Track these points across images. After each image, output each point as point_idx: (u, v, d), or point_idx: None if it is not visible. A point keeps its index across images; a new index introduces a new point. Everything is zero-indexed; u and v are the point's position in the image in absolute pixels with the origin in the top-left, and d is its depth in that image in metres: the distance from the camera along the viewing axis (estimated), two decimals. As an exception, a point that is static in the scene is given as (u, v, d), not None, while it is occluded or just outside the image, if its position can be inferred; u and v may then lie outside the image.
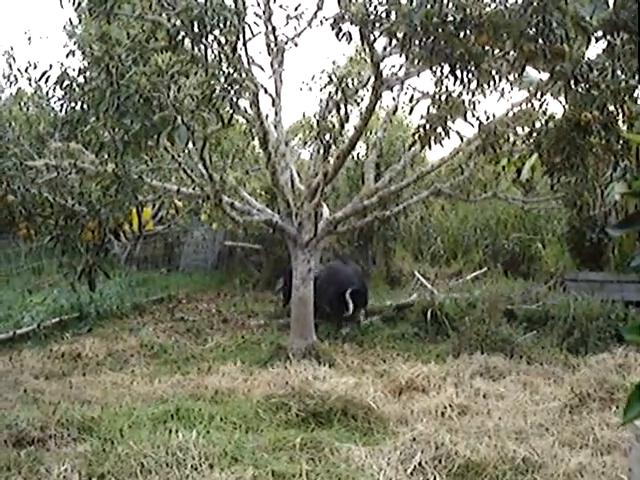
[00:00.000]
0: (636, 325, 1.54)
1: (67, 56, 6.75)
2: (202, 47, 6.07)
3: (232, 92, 5.89)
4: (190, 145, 8.06)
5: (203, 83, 5.87)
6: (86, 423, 6.04)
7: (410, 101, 7.97)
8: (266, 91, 8.75)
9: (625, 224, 1.95)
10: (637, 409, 1.45)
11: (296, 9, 9.13)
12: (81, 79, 6.38)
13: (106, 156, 6.41)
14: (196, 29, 5.99)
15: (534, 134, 7.58)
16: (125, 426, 6.03)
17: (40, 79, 6.49)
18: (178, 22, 6.09)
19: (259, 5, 8.71)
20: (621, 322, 9.73)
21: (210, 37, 6.10)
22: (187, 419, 6.31)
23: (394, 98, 9.86)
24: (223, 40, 6.37)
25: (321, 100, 8.33)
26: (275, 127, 9.07)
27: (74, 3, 6.49)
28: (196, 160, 8.51)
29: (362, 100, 9.42)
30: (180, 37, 6.10)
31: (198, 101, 5.71)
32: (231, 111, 6.26)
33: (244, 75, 6.90)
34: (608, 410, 6.61)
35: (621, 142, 7.41)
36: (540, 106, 7.96)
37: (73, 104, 6.63)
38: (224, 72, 6.05)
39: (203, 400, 7.03)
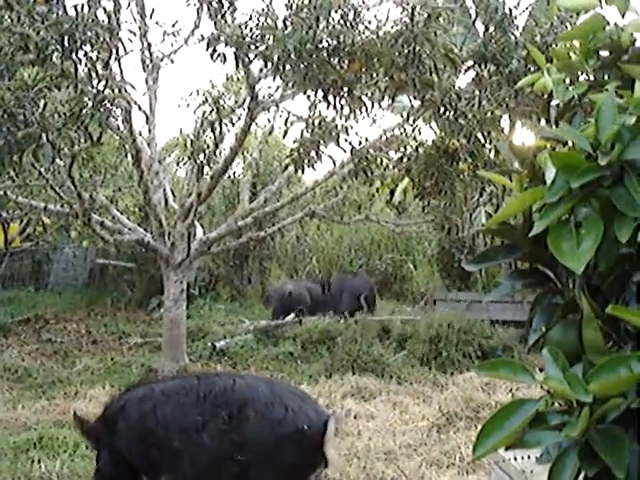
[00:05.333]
0: (485, 363, 1.59)
1: None
2: (72, 62, 5.90)
3: (102, 109, 5.73)
4: (60, 162, 7.81)
5: (72, 100, 5.69)
6: (-59, 454, 5.72)
7: (285, 124, 8.02)
8: (140, 108, 8.59)
9: (480, 260, 2.00)
10: (486, 447, 1.48)
11: (173, 26, 9.03)
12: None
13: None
14: (66, 44, 5.81)
15: (405, 159, 7.77)
16: (-16, 456, 5.75)
17: None
18: (48, 36, 5.89)
19: (135, 21, 8.55)
20: (487, 340, 10.09)
21: (81, 52, 5.94)
22: (51, 448, 6.08)
23: (269, 120, 9.90)
24: (94, 56, 6.21)
25: (196, 119, 8.25)
26: (148, 145, 8.90)
27: None
28: (65, 177, 8.24)
29: (239, 120, 9.41)
30: (49, 51, 5.90)
31: (66, 118, 5.53)
32: (101, 129, 6.09)
33: (116, 92, 6.76)
34: (474, 429, 6.80)
35: (487, 169, 7.70)
36: (412, 131, 8.16)
37: None
38: (94, 89, 5.89)
39: (68, 427, 6.73)
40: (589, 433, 1.40)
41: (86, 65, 6.02)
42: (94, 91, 5.87)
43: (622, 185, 1.51)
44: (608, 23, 2.07)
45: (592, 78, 2.15)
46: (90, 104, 5.74)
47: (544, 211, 1.59)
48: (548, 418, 1.47)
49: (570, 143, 1.78)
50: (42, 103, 5.63)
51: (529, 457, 3.21)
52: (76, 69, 6.00)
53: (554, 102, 2.27)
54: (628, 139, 1.53)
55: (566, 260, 1.51)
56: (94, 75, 6.10)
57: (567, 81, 2.22)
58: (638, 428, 1.46)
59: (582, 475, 1.43)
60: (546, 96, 2.35)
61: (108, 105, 6.00)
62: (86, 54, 5.98)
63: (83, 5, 6.04)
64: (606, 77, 2.12)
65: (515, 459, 3.32)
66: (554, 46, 6.22)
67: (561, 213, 1.57)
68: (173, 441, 4.25)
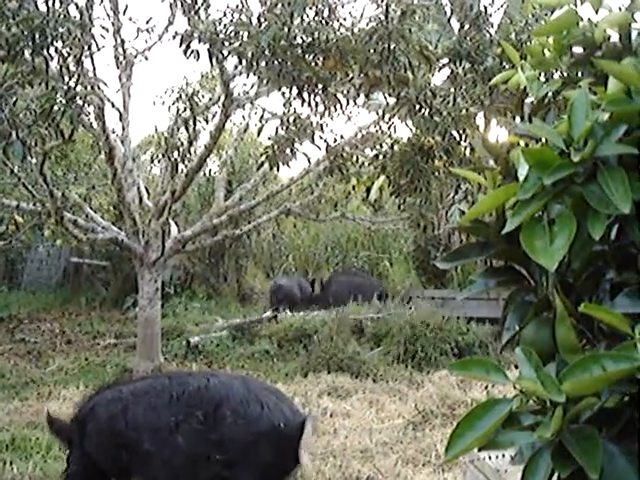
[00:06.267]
0: (457, 362, 1.57)
1: None
2: (43, 59, 5.82)
3: (74, 106, 5.65)
4: (32, 159, 7.71)
5: (43, 96, 5.61)
6: None
7: (260, 121, 7.98)
8: (113, 105, 8.49)
9: (453, 257, 1.99)
10: (459, 447, 1.46)
11: (147, 22, 8.94)
12: None
13: None
14: (37, 40, 5.73)
15: (380, 157, 7.75)
16: (-45, 459, 5.67)
17: None
18: (18, 32, 5.80)
19: (108, 17, 8.45)
20: (463, 337, 10.12)
21: (52, 49, 5.85)
22: (23, 449, 6.03)
23: (244, 117, 9.85)
24: (66, 52, 6.13)
25: (170, 116, 8.17)
26: (122, 142, 8.81)
27: None
28: (38, 175, 8.15)
29: (213, 117, 9.35)
30: (20, 47, 5.81)
31: (36, 115, 5.45)
32: (72, 126, 6.01)
33: (89, 89, 6.67)
34: (450, 426, 6.79)
35: (462, 166, 7.70)
36: (388, 129, 8.14)
37: None
38: (66, 85, 5.81)
39: (41, 428, 6.65)
40: (562, 433, 1.38)
41: (58, 61, 5.94)
42: (65, 88, 5.79)
43: (595, 182, 1.50)
44: (582, 19, 2.06)
45: (566, 75, 2.14)
46: (62, 101, 5.67)
47: (517, 208, 1.57)
48: (521, 418, 1.45)
49: (543, 140, 1.76)
50: (13, 100, 5.55)
51: (504, 456, 3.21)
52: (47, 65, 5.92)
53: (528, 99, 2.26)
54: (601, 135, 1.52)
55: (539, 258, 1.49)
56: (66, 71, 6.01)
57: (541, 78, 2.21)
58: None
59: (555, 476, 1.42)
60: (520, 93, 2.35)
61: (80, 102, 5.92)
62: (57, 50, 5.90)
63: (55, 0, 5.96)
64: (580, 74, 2.11)
65: (490, 458, 3.32)
66: (528, 43, 6.24)
67: (534, 210, 1.55)
68: (144, 443, 4.20)
